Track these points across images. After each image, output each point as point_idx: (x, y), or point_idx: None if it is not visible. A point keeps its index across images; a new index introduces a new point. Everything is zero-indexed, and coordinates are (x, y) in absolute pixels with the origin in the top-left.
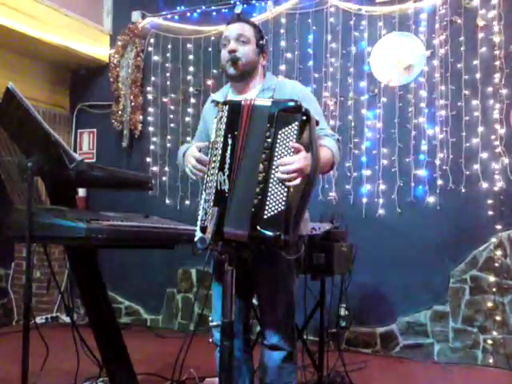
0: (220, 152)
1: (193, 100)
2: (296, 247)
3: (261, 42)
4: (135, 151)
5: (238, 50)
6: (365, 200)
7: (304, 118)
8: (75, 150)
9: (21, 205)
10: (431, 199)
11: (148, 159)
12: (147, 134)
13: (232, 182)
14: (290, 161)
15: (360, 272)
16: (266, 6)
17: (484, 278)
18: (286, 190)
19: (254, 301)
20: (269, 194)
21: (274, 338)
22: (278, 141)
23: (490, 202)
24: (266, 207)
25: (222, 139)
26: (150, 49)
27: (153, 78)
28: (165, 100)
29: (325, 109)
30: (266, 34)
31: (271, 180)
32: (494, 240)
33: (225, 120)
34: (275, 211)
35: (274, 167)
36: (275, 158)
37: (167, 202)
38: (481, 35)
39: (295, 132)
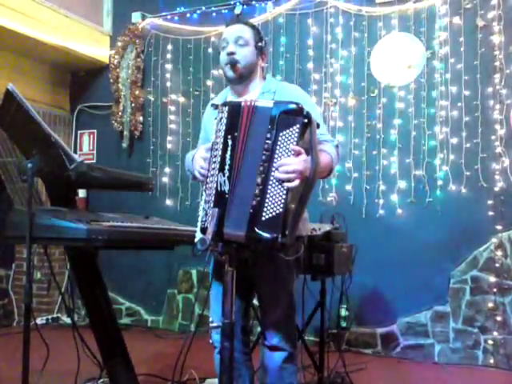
0: (220, 153)
1: (193, 101)
2: (295, 248)
3: (259, 43)
4: (135, 152)
5: (237, 53)
6: (365, 201)
7: (305, 120)
8: (75, 151)
9: (21, 206)
10: (431, 200)
11: (148, 160)
12: (147, 134)
13: (232, 183)
14: (290, 162)
15: (360, 272)
16: (265, 6)
17: (484, 278)
18: (284, 192)
19: (255, 301)
20: (268, 195)
21: (274, 339)
22: (279, 143)
23: (490, 202)
24: (265, 209)
25: (222, 140)
26: (150, 50)
27: (153, 79)
28: (165, 101)
29: (325, 109)
30: (265, 34)
31: (270, 182)
32: (494, 240)
33: (225, 121)
34: (273, 213)
35: (273, 169)
36: (275, 160)
37: (167, 202)
38: (481, 36)
39: (296, 135)
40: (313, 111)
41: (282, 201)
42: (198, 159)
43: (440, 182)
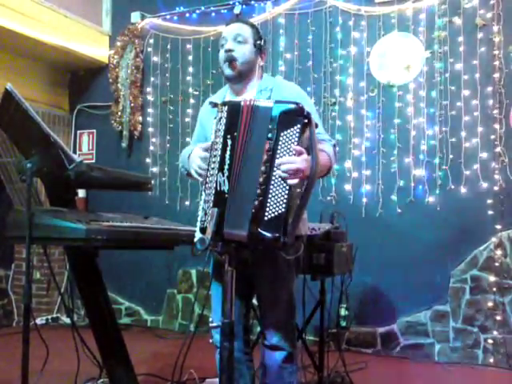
0: (219, 153)
1: (192, 100)
2: (295, 247)
3: (258, 42)
4: (135, 152)
5: (235, 50)
6: (365, 200)
7: (306, 120)
8: (75, 151)
9: (20, 206)
10: (431, 199)
11: (147, 160)
12: (147, 134)
13: (232, 182)
14: (291, 160)
15: (360, 272)
16: (265, 6)
17: (484, 277)
18: (286, 191)
19: (254, 301)
20: (270, 195)
21: (274, 339)
22: (280, 143)
23: (489, 201)
24: (267, 208)
25: (221, 140)
26: (150, 49)
27: (152, 79)
28: (164, 100)
29: (324, 109)
30: (265, 34)
31: (273, 181)
32: (494, 240)
33: (224, 121)
34: (276, 213)
35: (275, 169)
36: (277, 160)
37: (167, 202)
38: (480, 35)
39: (297, 134)
40: (310, 109)
41: (285, 200)
42: (195, 158)
43: (439, 182)
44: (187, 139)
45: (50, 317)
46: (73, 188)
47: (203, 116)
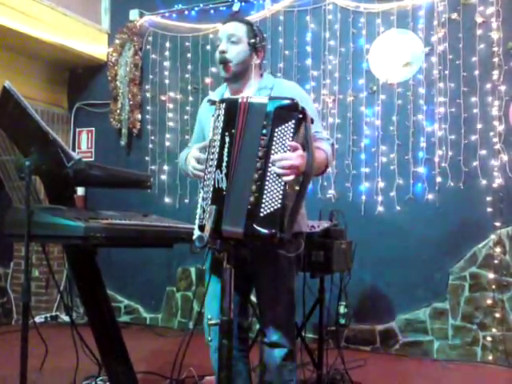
0: (217, 150)
1: (191, 98)
2: (296, 244)
3: (253, 40)
4: (134, 150)
5: (229, 51)
6: (364, 197)
7: (300, 116)
8: (73, 149)
9: (19, 204)
10: (430, 196)
11: (147, 158)
12: (146, 132)
13: (229, 180)
14: (286, 156)
15: (359, 269)
16: (263, 3)
17: (483, 274)
18: (282, 187)
19: (253, 299)
20: (265, 191)
21: (274, 336)
22: (275, 138)
23: (489, 198)
24: (262, 205)
25: (219, 137)
26: (148, 47)
27: (151, 77)
28: (163, 98)
29: (323, 106)
30: (264, 31)
31: (267, 178)
32: (493, 237)
33: (222, 118)
34: (271, 209)
35: (270, 165)
36: (271, 156)
37: (166, 200)
38: (479, 32)
39: (291, 130)
40: (309, 108)
41: (280, 196)
42: (191, 159)
43: (439, 179)
44: (186, 137)
45: (48, 315)
46: (72, 186)
47: (202, 114)
